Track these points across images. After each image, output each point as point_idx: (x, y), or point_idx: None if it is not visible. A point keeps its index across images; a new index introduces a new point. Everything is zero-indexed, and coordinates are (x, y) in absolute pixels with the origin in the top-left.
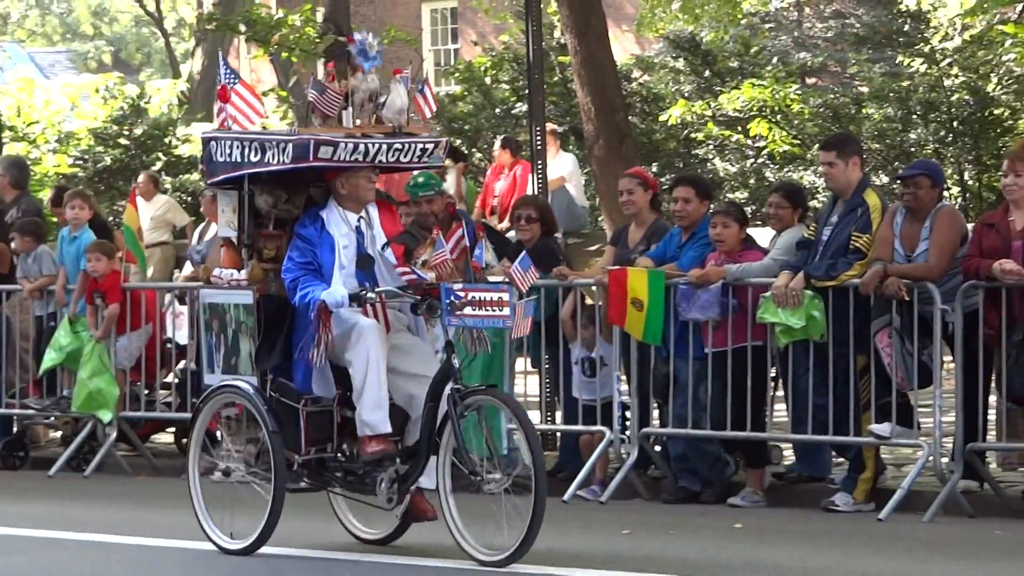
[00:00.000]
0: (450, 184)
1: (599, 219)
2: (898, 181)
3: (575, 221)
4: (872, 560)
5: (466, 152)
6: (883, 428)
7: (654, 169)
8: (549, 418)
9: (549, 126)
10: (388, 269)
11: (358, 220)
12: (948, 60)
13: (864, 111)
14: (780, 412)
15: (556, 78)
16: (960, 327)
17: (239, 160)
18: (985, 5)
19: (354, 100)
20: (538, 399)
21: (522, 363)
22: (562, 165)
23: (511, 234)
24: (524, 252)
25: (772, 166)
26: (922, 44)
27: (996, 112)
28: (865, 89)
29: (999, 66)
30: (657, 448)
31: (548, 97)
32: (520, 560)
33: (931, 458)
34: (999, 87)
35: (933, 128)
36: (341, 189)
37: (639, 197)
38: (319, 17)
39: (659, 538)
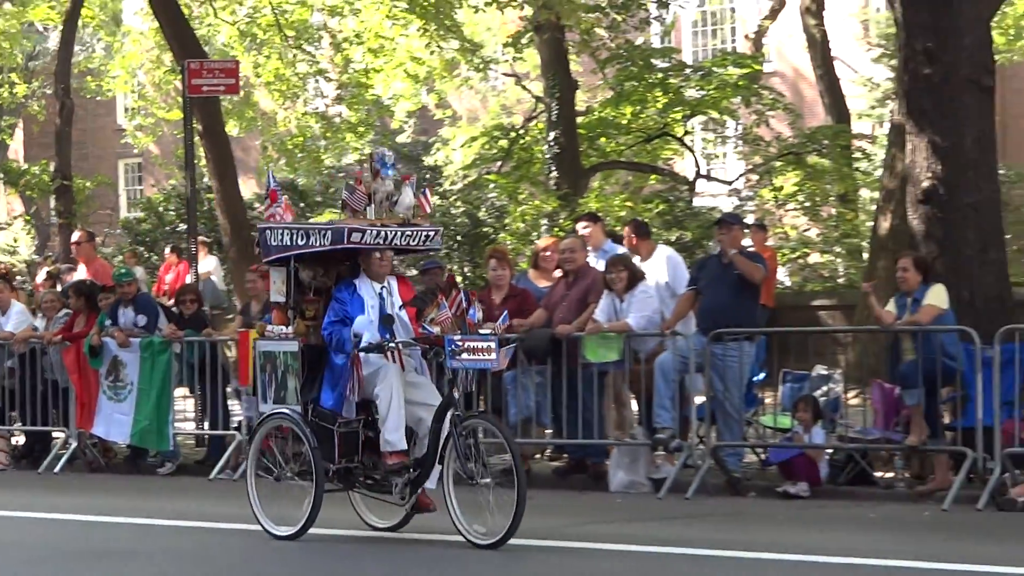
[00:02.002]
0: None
1: (232, 298)
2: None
3: (218, 299)
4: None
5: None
6: None
7: None
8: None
9: (200, 238)
10: (402, 325)
11: (381, 288)
12: (455, 196)
13: None
14: None
15: (205, 207)
16: None
17: (288, 243)
18: (478, 163)
19: (375, 199)
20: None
21: (183, 391)
22: (209, 263)
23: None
24: (505, 313)
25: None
26: (438, 186)
27: (484, 230)
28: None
29: (485, 200)
30: None
31: (200, 219)
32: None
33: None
34: (486, 214)
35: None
36: (366, 265)
37: (260, 284)
38: (52, 167)
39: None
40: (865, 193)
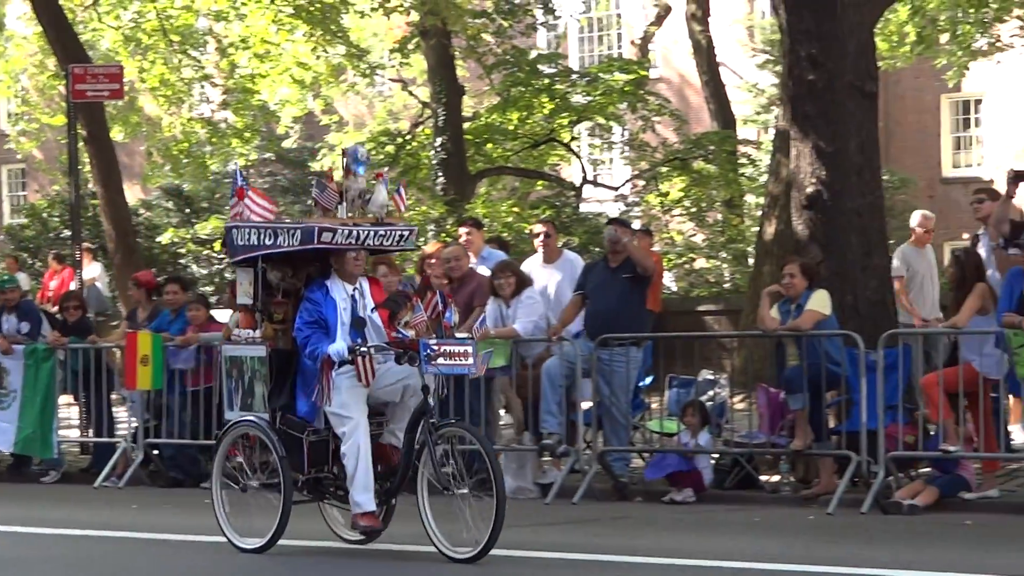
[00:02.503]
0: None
1: (117, 304)
2: None
3: (102, 304)
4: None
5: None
6: None
7: (153, 271)
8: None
9: (85, 244)
10: (374, 329)
11: (352, 290)
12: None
13: None
14: None
15: (90, 213)
16: None
17: (255, 243)
18: None
19: (347, 197)
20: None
21: (68, 398)
22: (93, 270)
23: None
24: (483, 317)
25: (230, 271)
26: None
27: None
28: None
29: None
30: (155, 451)
31: (84, 226)
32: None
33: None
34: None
35: None
36: (338, 265)
37: (138, 293)
38: None
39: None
40: (750, 199)
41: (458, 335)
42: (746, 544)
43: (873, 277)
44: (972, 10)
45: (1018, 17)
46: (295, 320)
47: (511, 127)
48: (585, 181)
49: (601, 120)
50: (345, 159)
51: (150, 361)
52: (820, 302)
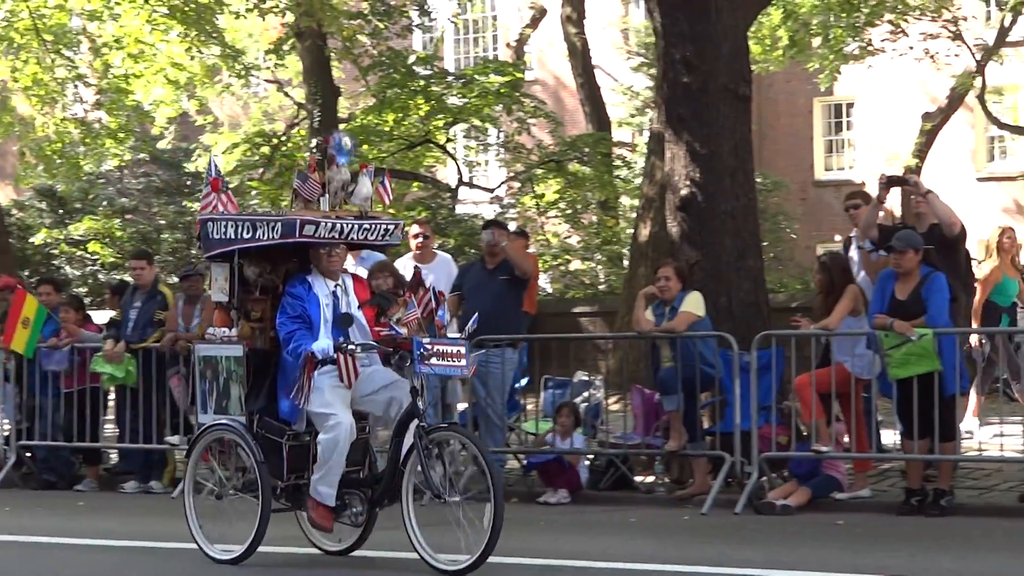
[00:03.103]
0: None
1: None
2: None
3: None
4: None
5: None
6: (174, 438)
7: (26, 273)
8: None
9: None
10: (359, 327)
11: (335, 287)
12: None
13: (162, 235)
14: None
15: None
16: None
17: (233, 237)
18: (240, 169)
19: (330, 188)
20: None
21: None
22: None
23: None
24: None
25: (104, 271)
26: (198, 193)
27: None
28: (164, 221)
29: (248, 207)
30: (28, 454)
31: None
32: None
33: None
34: None
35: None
36: (316, 262)
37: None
38: None
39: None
40: (626, 200)
41: (450, 335)
42: (620, 544)
43: (747, 279)
44: (844, 15)
45: (889, 22)
46: (274, 317)
47: (387, 128)
48: (461, 183)
49: (477, 122)
50: (328, 148)
51: (30, 325)
52: (694, 304)
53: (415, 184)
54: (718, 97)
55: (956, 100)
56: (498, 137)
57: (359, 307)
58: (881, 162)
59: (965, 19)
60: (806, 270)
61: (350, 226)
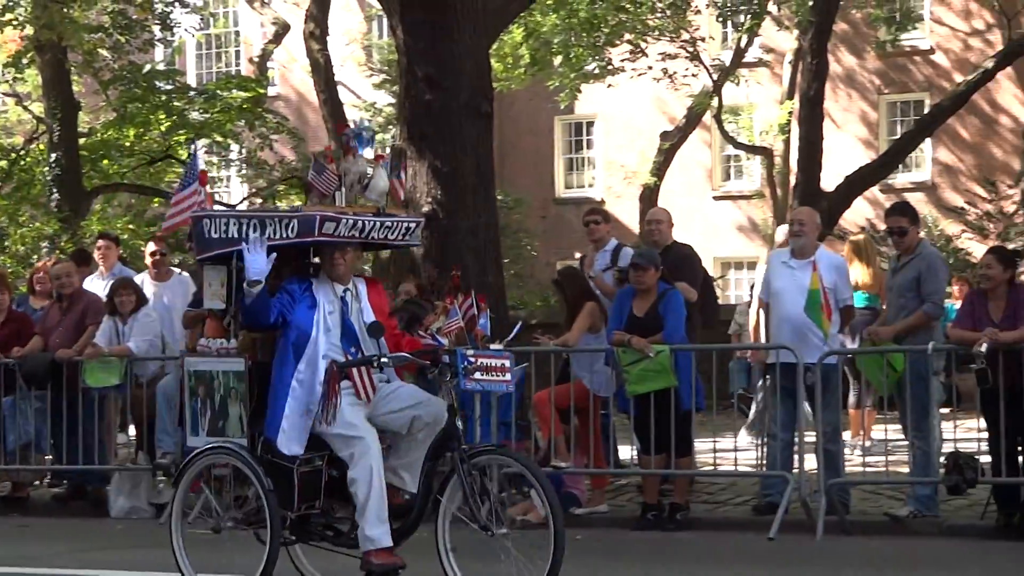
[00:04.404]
0: None
1: None
2: None
3: None
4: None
5: None
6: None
7: None
8: None
9: None
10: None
11: (344, 291)
12: None
13: None
14: None
15: None
16: None
17: (235, 236)
18: None
19: (346, 181)
20: None
21: None
22: None
23: None
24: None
25: None
26: None
27: None
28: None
29: None
30: None
31: None
32: None
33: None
34: None
35: None
36: (330, 262)
37: None
38: None
39: None
40: None
41: (492, 346)
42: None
43: (488, 295)
44: (585, 34)
45: (629, 42)
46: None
47: (128, 143)
48: None
49: (219, 137)
50: (346, 136)
51: None
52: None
53: (156, 200)
54: (460, 115)
55: (693, 119)
56: (240, 153)
57: (391, 314)
58: (619, 179)
59: (703, 40)
60: (546, 287)
61: (371, 224)
